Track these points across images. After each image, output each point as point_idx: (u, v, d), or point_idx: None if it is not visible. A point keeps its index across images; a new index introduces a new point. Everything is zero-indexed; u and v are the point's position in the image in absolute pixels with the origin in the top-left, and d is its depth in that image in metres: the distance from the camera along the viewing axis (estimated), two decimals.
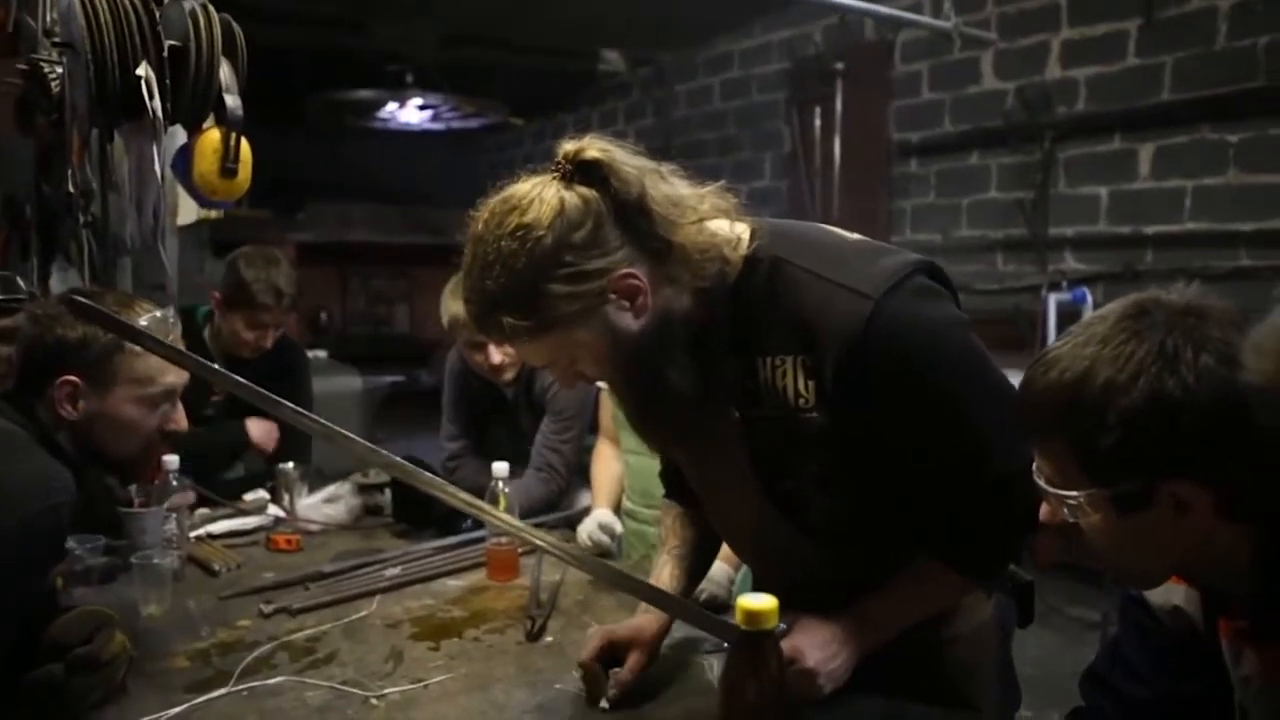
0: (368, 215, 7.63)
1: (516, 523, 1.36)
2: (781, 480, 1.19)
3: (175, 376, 1.47)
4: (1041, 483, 0.97)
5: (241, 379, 1.19)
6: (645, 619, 1.35)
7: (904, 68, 5.19)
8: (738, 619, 1.05)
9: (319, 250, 7.17)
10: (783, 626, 1.12)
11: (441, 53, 6.08)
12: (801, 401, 1.14)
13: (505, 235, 1.07)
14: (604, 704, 1.27)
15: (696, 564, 1.46)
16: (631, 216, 1.09)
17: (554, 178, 1.11)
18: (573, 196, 1.08)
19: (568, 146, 1.11)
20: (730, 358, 1.17)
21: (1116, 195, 4.34)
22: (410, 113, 6.66)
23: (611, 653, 1.30)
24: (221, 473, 2.53)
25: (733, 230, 1.18)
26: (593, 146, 1.10)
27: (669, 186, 1.13)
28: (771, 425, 1.17)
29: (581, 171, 1.09)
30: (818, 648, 1.14)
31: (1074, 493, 0.93)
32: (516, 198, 1.10)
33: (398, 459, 1.28)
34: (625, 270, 1.09)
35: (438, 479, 1.29)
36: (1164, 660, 1.09)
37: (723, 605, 1.64)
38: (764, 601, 1.03)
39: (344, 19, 5.77)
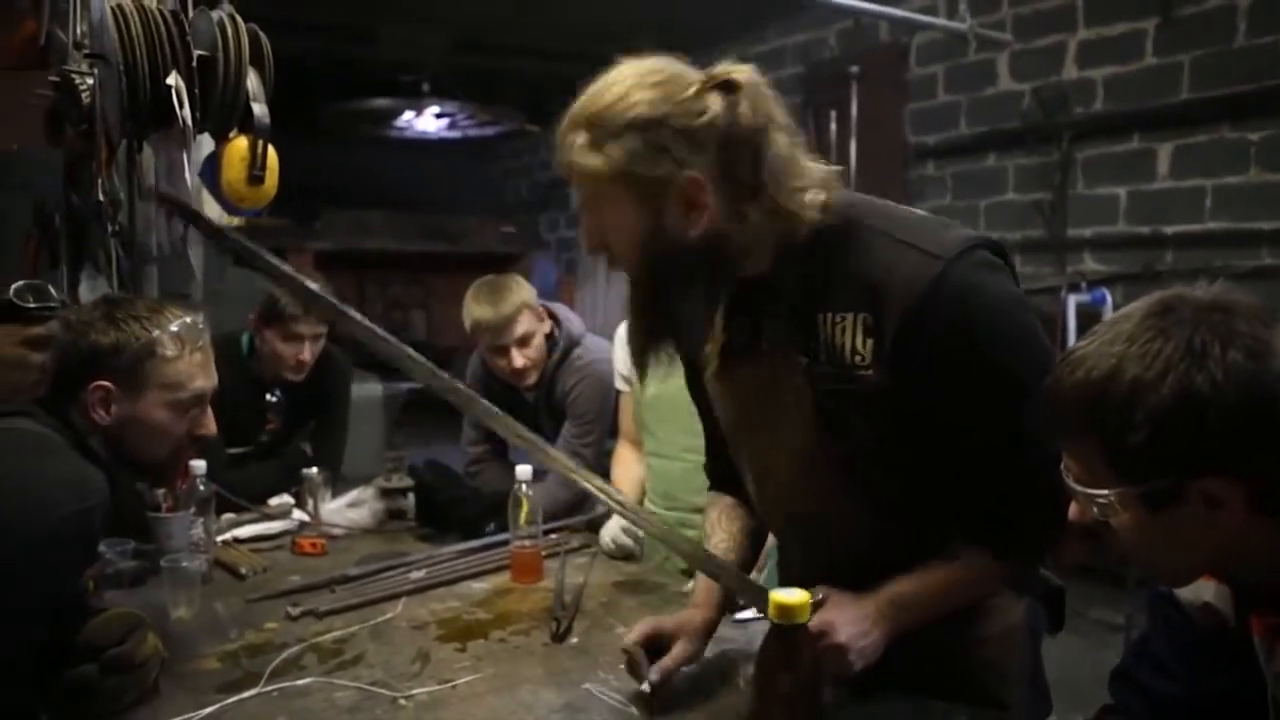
0: (384, 223, 7.67)
1: (625, 500, 1.44)
2: (834, 444, 1.19)
3: (205, 381, 1.49)
4: (1070, 481, 0.97)
5: (361, 318, 1.43)
6: (691, 613, 1.36)
7: (919, 70, 5.18)
8: (770, 614, 1.06)
9: (336, 258, 7.21)
10: (819, 596, 1.13)
11: (451, 58, 6.10)
12: (857, 359, 1.14)
13: (628, 82, 1.10)
14: (644, 686, 1.28)
15: (742, 560, 1.46)
16: (736, 145, 1.10)
17: (700, 80, 1.12)
18: (701, 101, 1.10)
19: (726, 64, 1.12)
20: (789, 314, 1.18)
21: (1135, 195, 4.31)
22: (427, 121, 6.69)
23: (656, 643, 1.32)
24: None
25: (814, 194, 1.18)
26: (745, 71, 1.12)
27: (790, 147, 1.14)
28: (827, 382, 1.17)
29: (723, 86, 1.11)
30: (850, 623, 1.14)
31: (1103, 491, 0.93)
32: (664, 67, 1.12)
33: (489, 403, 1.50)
34: (696, 176, 1.10)
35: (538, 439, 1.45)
36: (1193, 656, 1.08)
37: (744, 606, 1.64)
38: (796, 595, 1.04)
39: (352, 25, 5.81)
